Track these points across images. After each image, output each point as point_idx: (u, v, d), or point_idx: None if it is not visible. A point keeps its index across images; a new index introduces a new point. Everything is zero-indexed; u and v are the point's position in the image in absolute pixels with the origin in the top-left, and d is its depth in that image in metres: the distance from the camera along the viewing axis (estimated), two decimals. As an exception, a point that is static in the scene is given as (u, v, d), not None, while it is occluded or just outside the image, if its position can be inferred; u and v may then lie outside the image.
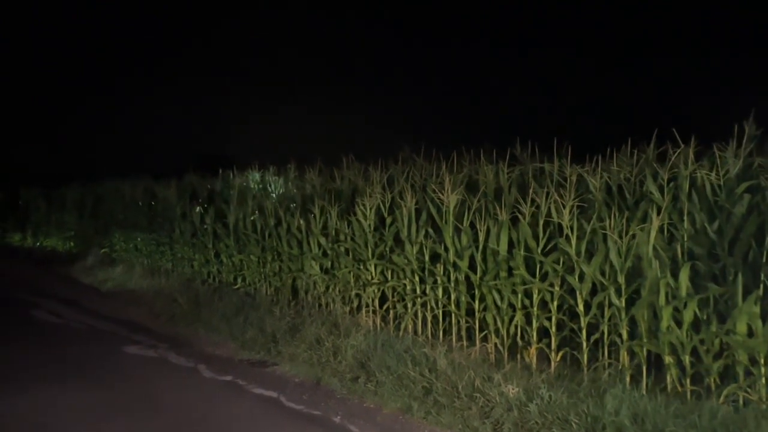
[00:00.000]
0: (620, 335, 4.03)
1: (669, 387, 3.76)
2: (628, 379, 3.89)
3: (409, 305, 5.40)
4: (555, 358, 4.34)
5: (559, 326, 4.39)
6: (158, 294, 7.96)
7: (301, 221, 6.62)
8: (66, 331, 6.66)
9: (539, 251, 4.43)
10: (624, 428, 3.32)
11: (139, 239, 10.17)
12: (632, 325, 4.00)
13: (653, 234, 3.85)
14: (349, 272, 5.95)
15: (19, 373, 5.09)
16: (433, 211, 5.19)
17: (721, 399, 3.48)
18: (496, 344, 4.72)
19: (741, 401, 3.49)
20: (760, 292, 3.47)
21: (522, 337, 4.57)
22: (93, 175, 13.42)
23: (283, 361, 5.22)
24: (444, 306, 5.13)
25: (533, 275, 4.44)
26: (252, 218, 7.50)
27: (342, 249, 6.06)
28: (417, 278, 5.37)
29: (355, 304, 6.00)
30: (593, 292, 4.20)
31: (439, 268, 5.12)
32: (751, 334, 3.46)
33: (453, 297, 5.05)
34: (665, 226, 4.03)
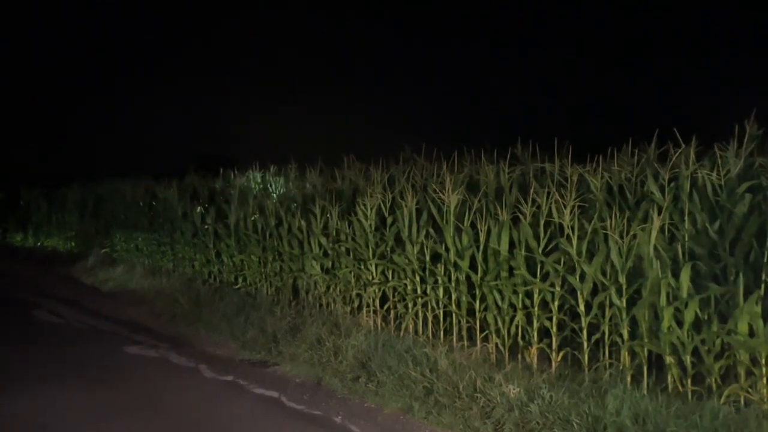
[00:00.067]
0: (621, 335, 4.02)
1: (670, 387, 3.76)
2: (629, 379, 3.89)
3: (410, 305, 5.40)
4: (556, 358, 4.34)
5: (560, 326, 4.39)
6: (159, 294, 7.96)
7: (302, 221, 6.62)
8: (67, 331, 6.66)
9: (540, 251, 4.43)
10: (625, 428, 3.32)
11: (140, 239, 10.17)
12: (633, 325, 4.00)
13: (654, 234, 3.85)
14: (350, 272, 5.96)
15: (19, 373, 5.09)
16: (434, 211, 5.19)
17: (723, 399, 3.48)
18: (497, 344, 4.71)
19: (742, 401, 3.49)
20: (762, 292, 3.48)
21: (523, 337, 4.57)
22: (94, 175, 13.44)
23: (284, 361, 5.22)
24: (445, 306, 5.13)
25: (534, 275, 4.44)
26: (253, 218, 7.50)
27: (343, 249, 6.06)
28: (418, 278, 5.37)
29: (356, 304, 6.01)
30: (594, 292, 4.20)
31: (440, 268, 5.12)
32: (752, 334, 3.46)
33: (454, 297, 5.05)
34: (666, 226, 4.03)
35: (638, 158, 4.62)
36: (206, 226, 8.28)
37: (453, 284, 5.03)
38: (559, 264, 4.32)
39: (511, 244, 4.61)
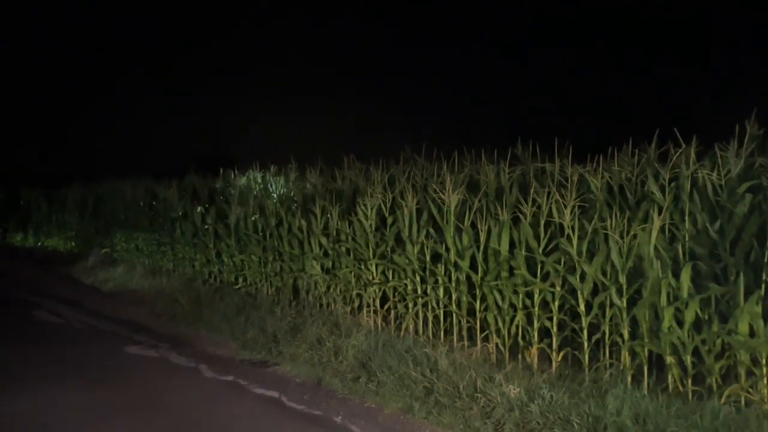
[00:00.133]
0: (621, 335, 4.02)
1: (670, 387, 3.76)
2: (629, 379, 3.88)
3: (410, 305, 5.40)
4: (556, 358, 4.34)
5: (561, 326, 4.39)
6: (159, 294, 7.97)
7: (303, 221, 6.62)
8: (67, 331, 6.66)
9: (540, 251, 4.43)
10: (626, 428, 3.32)
11: (140, 239, 10.18)
12: (633, 325, 3.99)
13: (654, 234, 3.85)
14: (351, 272, 5.95)
15: (19, 373, 5.10)
16: (435, 211, 5.19)
17: (723, 399, 3.47)
18: (497, 344, 4.71)
19: (743, 402, 3.48)
20: (762, 292, 3.47)
21: (523, 338, 4.57)
22: (94, 175, 13.44)
23: (285, 361, 5.22)
24: (445, 306, 5.13)
25: (534, 275, 4.44)
26: (253, 218, 7.50)
27: (343, 249, 6.06)
28: (418, 278, 5.37)
29: (356, 304, 6.01)
30: (594, 292, 4.19)
31: (441, 268, 5.12)
32: (752, 334, 3.45)
33: (454, 297, 5.05)
34: (666, 226, 4.02)
35: (638, 158, 4.62)
36: (206, 226, 8.28)
37: (453, 284, 5.03)
38: (560, 264, 4.31)
39: (512, 244, 4.61)
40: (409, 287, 5.43)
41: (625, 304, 3.99)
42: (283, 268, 7.00)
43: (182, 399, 4.48)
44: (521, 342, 4.56)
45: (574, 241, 4.23)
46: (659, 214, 3.90)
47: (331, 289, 6.26)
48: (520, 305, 4.52)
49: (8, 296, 8.78)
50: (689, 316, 3.67)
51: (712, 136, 4.24)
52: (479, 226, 4.83)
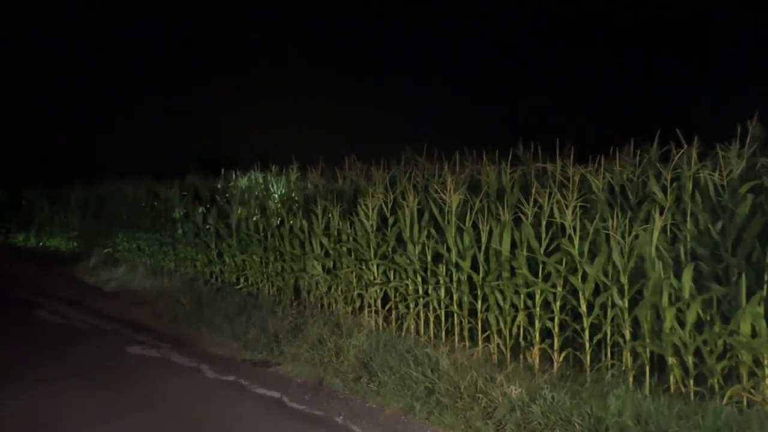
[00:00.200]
0: (623, 336, 4.02)
1: (672, 388, 3.76)
2: (631, 379, 3.88)
3: (412, 305, 5.40)
4: (558, 358, 4.34)
5: (562, 327, 4.39)
6: (161, 294, 7.98)
7: (304, 221, 6.62)
8: (69, 331, 6.67)
9: (542, 252, 4.43)
10: (627, 429, 3.32)
11: (142, 239, 10.19)
12: (635, 325, 3.99)
13: (656, 234, 3.85)
14: (352, 272, 5.96)
15: (20, 372, 5.10)
16: (436, 212, 5.19)
17: (725, 400, 3.47)
18: (498, 345, 4.71)
19: (745, 402, 3.48)
20: (764, 292, 3.47)
21: (524, 338, 4.57)
22: (95, 175, 13.45)
23: (286, 361, 5.22)
24: (446, 306, 5.13)
25: (536, 276, 4.44)
26: (254, 218, 7.51)
27: (344, 249, 6.07)
28: (419, 278, 5.37)
29: (358, 304, 6.01)
30: (596, 292, 4.19)
31: (442, 269, 5.12)
32: (754, 334, 3.45)
33: (455, 297, 5.05)
34: (668, 227, 4.02)
35: (640, 158, 4.61)
36: (208, 227, 8.29)
37: (454, 284, 5.03)
38: (561, 264, 4.31)
39: (513, 245, 4.61)
40: (411, 287, 5.43)
41: (626, 305, 3.98)
42: (284, 268, 7.01)
43: (183, 399, 4.49)
44: (522, 342, 4.56)
45: (576, 242, 4.23)
46: (661, 214, 3.90)
47: (333, 290, 6.26)
48: (522, 306, 4.52)
49: (10, 296, 8.80)
50: (691, 317, 3.67)
51: (713, 136, 4.24)
52: (480, 227, 4.83)
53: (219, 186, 8.95)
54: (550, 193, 4.50)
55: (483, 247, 4.79)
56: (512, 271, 4.59)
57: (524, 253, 4.47)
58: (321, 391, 4.55)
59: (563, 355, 4.34)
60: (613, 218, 4.09)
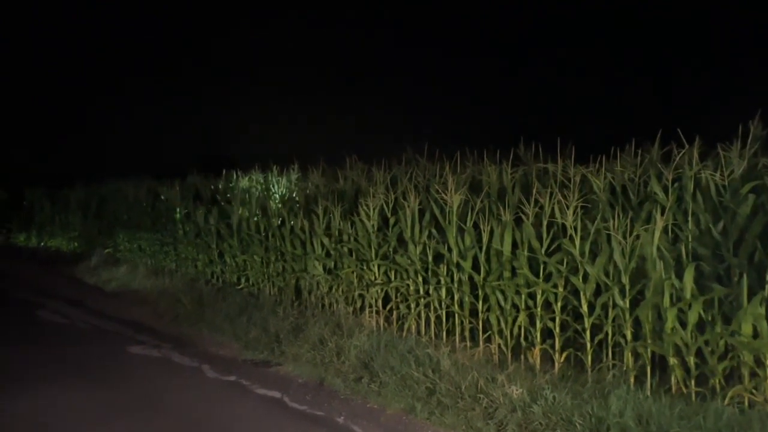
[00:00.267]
0: (624, 336, 4.02)
1: (673, 388, 3.75)
2: (632, 380, 3.88)
3: (413, 306, 5.40)
4: (559, 359, 4.33)
5: (563, 327, 4.38)
6: (162, 294, 7.98)
7: (305, 222, 6.63)
8: (70, 331, 6.68)
9: (543, 252, 4.43)
10: (628, 429, 3.32)
11: (143, 239, 10.20)
12: (636, 326, 3.99)
13: (657, 234, 3.84)
14: (353, 273, 5.96)
15: (21, 372, 5.11)
16: (437, 212, 5.19)
17: (726, 400, 3.47)
18: (499, 345, 4.71)
19: (746, 403, 3.47)
20: (766, 293, 3.46)
21: (526, 338, 4.57)
22: (95, 175, 13.46)
23: (287, 362, 5.22)
24: (447, 307, 5.13)
25: (537, 276, 4.44)
26: (255, 219, 7.52)
27: (345, 249, 6.07)
28: (420, 279, 5.37)
29: (359, 304, 6.01)
30: (597, 292, 4.19)
31: (443, 269, 5.12)
32: (756, 335, 3.45)
33: (456, 297, 5.05)
34: (669, 227, 4.02)
35: (641, 159, 4.61)
36: (209, 227, 8.30)
37: (456, 285, 5.03)
38: (562, 264, 4.31)
39: (514, 245, 4.61)
40: (412, 288, 5.43)
41: (627, 305, 3.98)
42: (285, 268, 7.01)
43: (184, 399, 4.49)
44: (524, 343, 4.56)
45: (577, 242, 4.23)
46: (662, 214, 3.90)
47: (334, 290, 6.26)
48: (523, 306, 4.52)
49: (11, 296, 8.81)
50: (692, 317, 3.66)
51: (714, 136, 4.23)
52: (482, 227, 4.83)
53: (220, 186, 8.96)
54: (551, 194, 4.49)
55: (484, 247, 4.79)
56: (513, 272, 4.59)
57: (525, 253, 4.47)
58: (322, 392, 4.55)
59: (564, 355, 4.33)
60: (614, 218, 4.08)
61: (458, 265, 4.98)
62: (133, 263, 10.08)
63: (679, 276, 3.73)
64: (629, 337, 3.98)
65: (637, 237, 3.94)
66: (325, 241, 6.31)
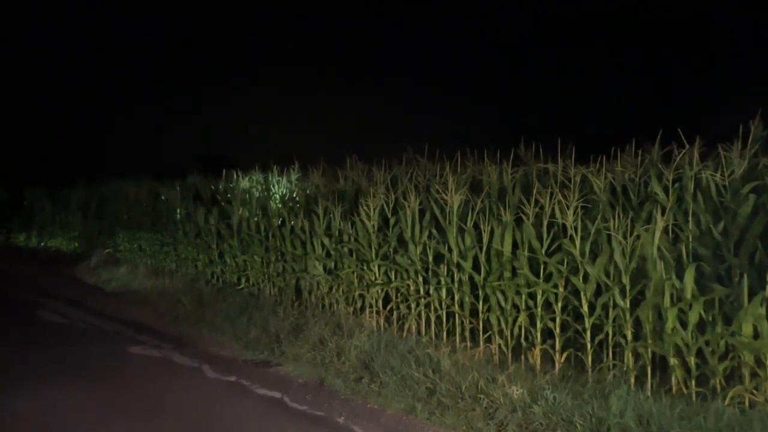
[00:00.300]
0: (625, 336, 4.02)
1: (674, 388, 3.75)
2: (632, 380, 3.88)
3: (413, 306, 5.40)
4: (559, 359, 4.33)
5: (564, 327, 4.38)
6: (162, 294, 7.98)
7: (305, 222, 6.62)
8: (70, 331, 6.68)
9: (543, 252, 4.43)
10: (629, 430, 3.31)
11: (143, 240, 10.20)
12: (637, 326, 3.99)
13: (658, 235, 3.84)
14: (353, 273, 5.96)
15: (21, 372, 5.11)
16: (437, 212, 5.19)
17: (727, 401, 3.47)
18: (500, 345, 4.71)
19: (747, 403, 3.47)
20: (766, 293, 3.46)
21: (526, 338, 4.57)
22: (95, 175, 13.46)
23: (287, 362, 5.22)
24: (448, 307, 5.13)
25: (537, 276, 4.44)
26: (255, 219, 7.52)
27: (345, 250, 6.07)
28: (420, 279, 5.36)
29: (359, 304, 6.01)
30: (597, 293, 4.19)
31: (443, 269, 5.12)
32: (756, 335, 3.45)
33: (457, 298, 5.05)
34: (670, 227, 4.02)
35: (642, 159, 4.61)
36: (209, 227, 8.30)
37: (456, 285, 5.02)
38: (563, 265, 4.31)
39: (514, 245, 4.60)
40: (412, 288, 5.42)
41: (628, 305, 3.98)
42: (285, 268, 7.01)
43: (184, 399, 4.49)
44: (524, 343, 4.56)
45: (577, 242, 4.23)
46: (662, 214, 3.90)
47: (334, 290, 6.26)
48: (523, 306, 4.52)
49: (13, 296, 8.80)
50: (693, 318, 3.66)
51: (715, 136, 4.23)
52: (482, 227, 4.83)
53: (220, 186, 8.96)
54: (552, 194, 4.49)
55: (484, 248, 4.79)
56: (514, 272, 4.59)
57: (526, 253, 4.47)
58: (322, 392, 4.55)
59: (565, 355, 4.33)
60: (614, 218, 4.08)
61: (458, 266, 4.98)
62: (134, 263, 10.08)
63: (680, 276, 3.73)
64: (630, 337, 3.98)
65: (638, 237, 3.94)
66: (326, 241, 6.31)
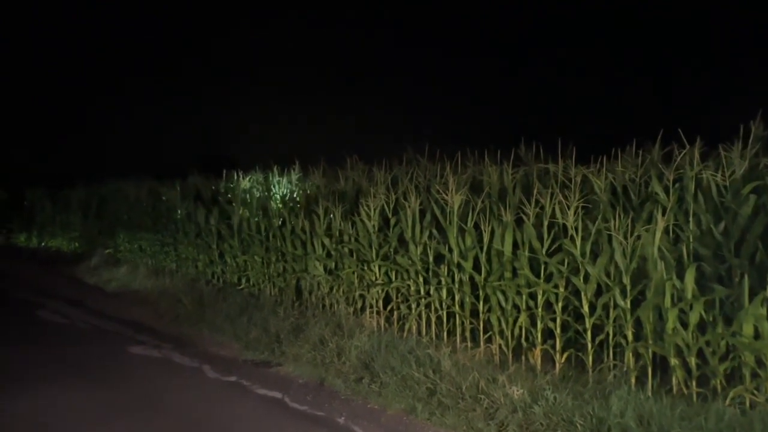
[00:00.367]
0: (625, 337, 4.01)
1: (674, 389, 3.75)
2: (633, 380, 3.88)
3: (413, 306, 5.40)
4: (560, 359, 4.33)
5: (564, 327, 4.38)
6: (162, 294, 7.98)
7: (305, 222, 6.62)
8: (70, 331, 6.68)
9: (544, 252, 4.43)
10: (629, 430, 3.31)
11: (143, 240, 10.20)
12: (637, 326, 3.99)
13: (658, 235, 3.84)
14: (353, 273, 5.96)
15: (21, 372, 5.11)
16: (438, 212, 5.19)
17: (728, 401, 3.46)
18: (500, 345, 4.71)
19: (747, 403, 3.47)
20: (767, 293, 3.46)
21: (526, 339, 4.57)
22: (97, 175, 13.46)
23: (287, 362, 5.22)
24: (448, 307, 5.12)
25: (538, 276, 4.43)
26: (256, 219, 7.51)
27: (346, 250, 6.06)
28: (421, 279, 5.36)
29: (359, 304, 6.01)
30: (598, 293, 4.19)
31: (443, 269, 5.12)
32: (757, 335, 3.44)
33: (457, 298, 5.05)
34: (671, 227, 4.01)
35: (642, 159, 4.61)
36: (209, 227, 8.30)
37: (456, 285, 5.02)
38: (563, 265, 4.31)
39: (515, 245, 4.60)
40: (412, 288, 5.42)
41: (628, 306, 3.98)
42: (286, 268, 7.01)
43: (184, 399, 4.49)
44: (524, 343, 4.56)
45: (578, 242, 4.22)
46: (663, 215, 3.90)
47: (334, 290, 6.26)
48: (524, 306, 4.52)
49: (13, 296, 8.80)
50: (693, 318, 3.66)
51: (715, 136, 4.23)
52: (482, 227, 4.82)
53: (221, 187, 8.96)
54: (552, 194, 4.49)
55: (485, 248, 4.79)
56: (514, 272, 4.59)
57: (526, 253, 4.46)
58: (322, 392, 4.55)
59: (565, 356, 4.33)
60: (615, 219, 4.08)
61: (459, 266, 4.98)
62: (134, 263, 10.08)
63: (681, 276, 3.73)
64: (630, 337, 3.98)
65: (638, 237, 3.93)
66: (326, 241, 6.31)
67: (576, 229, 4.26)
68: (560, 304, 4.34)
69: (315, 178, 7.25)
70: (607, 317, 4.14)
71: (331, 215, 6.27)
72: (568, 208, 4.32)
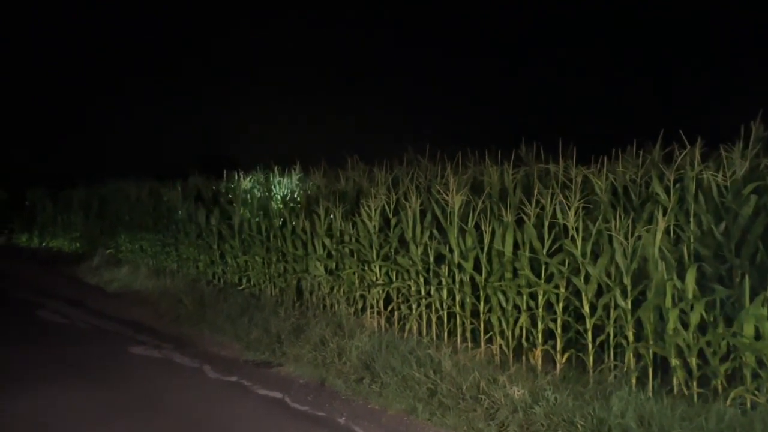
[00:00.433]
0: (626, 337, 4.02)
1: (675, 389, 3.75)
2: (633, 381, 3.88)
3: (414, 306, 5.40)
4: (560, 359, 4.33)
5: (565, 328, 4.38)
6: (163, 294, 7.98)
7: (306, 222, 6.63)
8: (71, 331, 6.68)
9: (544, 252, 4.43)
10: (630, 431, 3.31)
11: (144, 240, 10.21)
12: (638, 327, 3.99)
13: (659, 235, 3.84)
14: (354, 273, 5.96)
15: (21, 372, 5.11)
16: (438, 212, 5.19)
17: (728, 402, 3.46)
18: (501, 346, 4.71)
19: (748, 404, 3.47)
20: (768, 294, 3.46)
21: (527, 339, 4.57)
22: (98, 176, 13.46)
23: (288, 362, 5.22)
24: (449, 307, 5.13)
25: (538, 276, 4.44)
26: (257, 219, 7.52)
27: (347, 250, 6.07)
28: (422, 279, 5.36)
29: (360, 305, 6.01)
30: (599, 293, 4.19)
31: (444, 270, 5.12)
32: (758, 336, 3.44)
33: (458, 298, 5.05)
34: (671, 228, 4.02)
35: (643, 159, 4.61)
36: (210, 227, 8.30)
37: (457, 285, 5.02)
38: (564, 265, 4.31)
39: (516, 246, 4.61)
40: (413, 288, 5.42)
41: (629, 306, 3.98)
42: (286, 269, 7.01)
43: (184, 399, 4.49)
44: (525, 343, 4.56)
45: (579, 243, 4.22)
46: (664, 215, 3.90)
47: (335, 290, 6.26)
48: (524, 306, 4.52)
49: (14, 296, 8.81)
50: (694, 318, 3.66)
51: (716, 137, 4.23)
52: (483, 228, 4.83)
53: (222, 187, 8.96)
54: (553, 194, 4.49)
55: (485, 248, 4.79)
56: (515, 272, 4.59)
57: (527, 254, 4.47)
58: (323, 392, 4.55)
59: (566, 356, 4.33)
60: (615, 219, 4.08)
61: (459, 266, 4.98)
62: (135, 264, 10.08)
63: (681, 277, 3.73)
64: (631, 338, 3.98)
65: (639, 238, 3.94)
66: (327, 241, 6.31)
67: (577, 230, 4.26)
68: (561, 305, 4.35)
69: (315, 179, 7.25)
70: (608, 318, 4.14)
71: (332, 215, 6.27)
72: (569, 209, 4.32)
